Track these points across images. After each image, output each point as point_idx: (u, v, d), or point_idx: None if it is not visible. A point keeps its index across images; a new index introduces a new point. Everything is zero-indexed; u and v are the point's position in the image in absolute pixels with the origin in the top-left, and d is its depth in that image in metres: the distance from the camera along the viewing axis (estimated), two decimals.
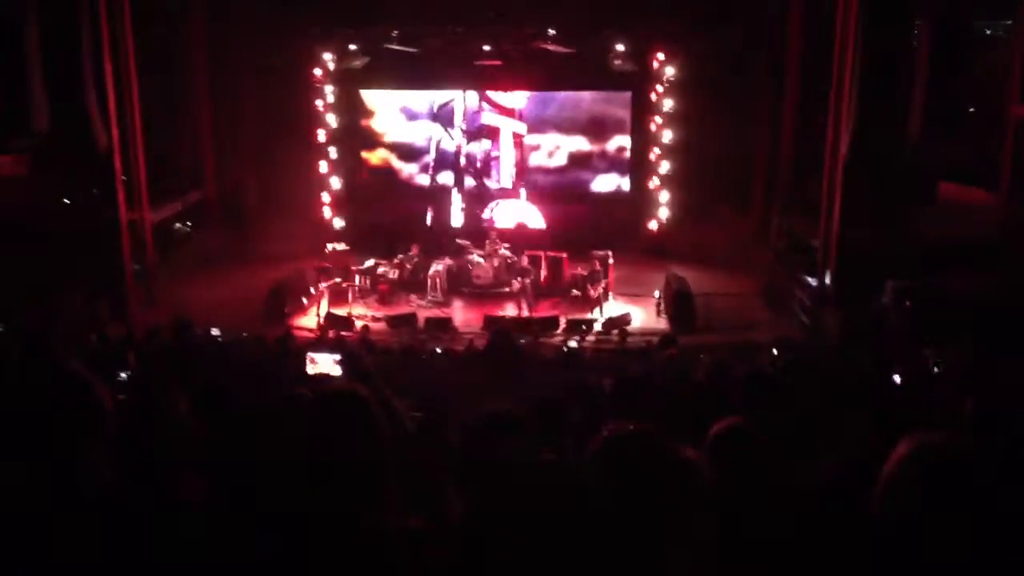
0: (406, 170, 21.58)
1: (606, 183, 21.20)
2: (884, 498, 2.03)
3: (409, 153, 21.47)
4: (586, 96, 20.94)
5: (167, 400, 3.14)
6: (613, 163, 21.12)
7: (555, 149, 21.10)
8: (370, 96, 21.26)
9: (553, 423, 4.27)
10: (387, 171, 21.64)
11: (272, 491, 2.59)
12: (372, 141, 21.47)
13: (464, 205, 21.42)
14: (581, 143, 21.05)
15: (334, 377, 6.56)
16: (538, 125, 21.03)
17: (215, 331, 12.61)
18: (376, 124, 21.39)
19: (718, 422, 3.20)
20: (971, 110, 17.03)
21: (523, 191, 21.27)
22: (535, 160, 21.19)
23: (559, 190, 21.22)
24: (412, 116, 21.25)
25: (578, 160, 21.14)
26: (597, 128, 20.97)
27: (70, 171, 16.73)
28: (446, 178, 21.47)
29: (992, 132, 17.22)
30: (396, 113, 21.31)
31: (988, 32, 19.68)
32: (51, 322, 12.69)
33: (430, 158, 21.37)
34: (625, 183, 21.14)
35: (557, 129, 21.03)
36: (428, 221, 21.40)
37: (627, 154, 21.00)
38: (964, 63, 15.52)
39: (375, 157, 21.61)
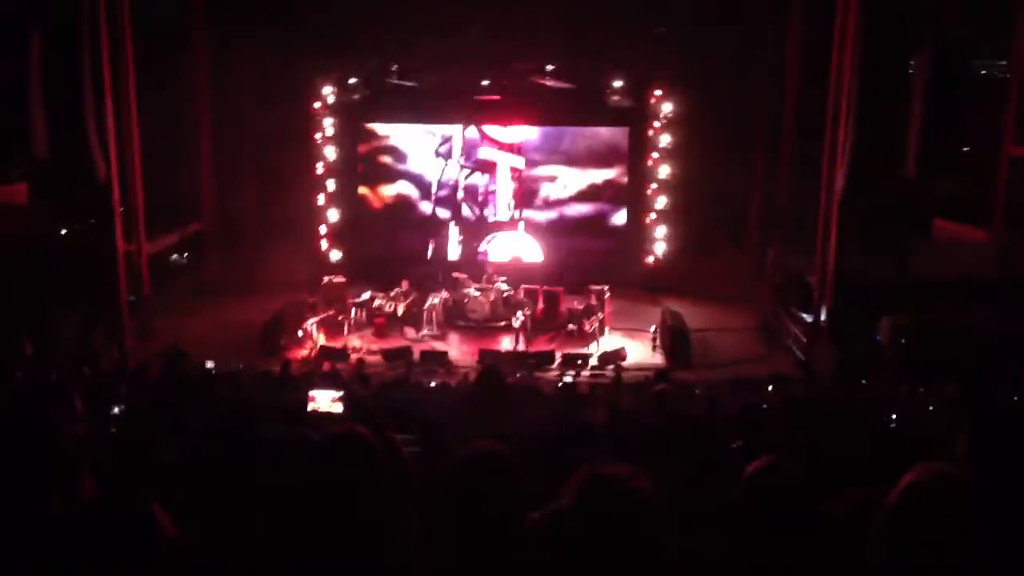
0: (405, 203, 21.61)
1: (603, 218, 21.25)
2: (888, 527, 2.03)
3: (412, 186, 21.51)
4: (584, 131, 21.05)
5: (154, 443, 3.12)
6: (610, 198, 21.18)
7: (553, 183, 21.17)
8: (377, 128, 21.36)
9: (546, 461, 4.24)
10: (388, 204, 21.69)
11: (273, 537, 2.58)
12: (374, 174, 21.53)
13: (461, 238, 21.45)
14: (579, 177, 21.12)
15: (334, 415, 6.51)
16: (536, 159, 21.12)
17: (209, 363, 12.56)
18: (380, 157, 21.47)
19: (753, 462, 3.19)
20: (965, 149, 17.14)
21: (521, 225, 21.31)
22: (531, 194, 21.25)
23: (556, 224, 21.27)
24: (417, 150, 21.34)
25: (575, 195, 21.20)
26: (595, 163, 21.06)
27: (69, 201, 16.77)
28: (441, 211, 21.51)
29: (986, 170, 17.34)
30: (402, 146, 21.40)
31: (984, 72, 19.86)
32: (46, 352, 12.65)
33: (435, 192, 21.42)
34: (622, 218, 21.19)
35: (555, 163, 21.11)
36: (429, 255, 21.43)
37: (624, 189, 21.06)
38: (960, 102, 15.64)
39: (376, 190, 21.66)
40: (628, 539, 2.16)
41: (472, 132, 21.12)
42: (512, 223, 21.35)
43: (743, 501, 2.91)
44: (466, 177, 21.29)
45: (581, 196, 21.21)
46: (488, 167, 21.19)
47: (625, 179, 21.01)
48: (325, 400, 6.74)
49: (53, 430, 2.47)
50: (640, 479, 2.27)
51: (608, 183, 21.12)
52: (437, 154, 21.26)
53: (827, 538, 2.94)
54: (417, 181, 21.47)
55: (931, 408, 8.14)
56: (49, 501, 2.37)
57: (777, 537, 2.83)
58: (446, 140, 21.19)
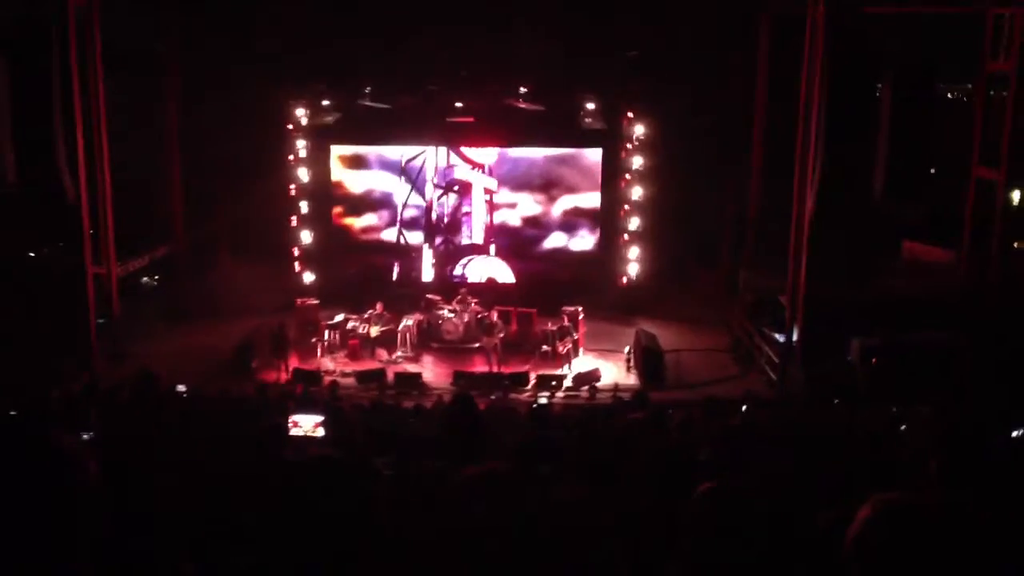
0: (377, 225, 21.55)
1: (576, 239, 21.30)
2: (854, 562, 2.04)
3: (379, 208, 21.45)
4: (556, 153, 21.13)
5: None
6: (583, 220, 21.24)
7: (525, 205, 21.21)
8: (341, 151, 21.33)
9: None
10: (360, 227, 21.63)
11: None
12: (342, 196, 21.47)
13: (435, 260, 21.42)
14: (551, 200, 21.17)
15: (315, 439, 6.49)
16: (509, 181, 21.16)
17: (180, 387, 12.43)
18: (347, 179, 21.42)
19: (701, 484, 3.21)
20: (932, 171, 17.43)
21: (492, 247, 21.31)
22: (505, 216, 21.28)
23: (529, 246, 21.30)
24: (383, 170, 21.30)
25: (548, 217, 21.24)
26: (567, 185, 21.13)
27: (37, 224, 16.61)
28: (413, 235, 21.45)
29: (953, 192, 17.63)
30: (368, 168, 21.37)
31: (949, 96, 20.23)
32: (15, 377, 12.47)
33: (399, 214, 21.37)
34: (594, 240, 21.24)
35: (528, 186, 21.16)
36: (394, 276, 21.37)
37: (597, 211, 21.12)
38: (925, 124, 15.92)
39: (345, 212, 21.60)
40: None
41: (446, 154, 21.11)
42: (484, 246, 21.34)
43: (694, 524, 2.92)
44: (439, 199, 21.27)
45: (554, 218, 21.25)
46: (463, 188, 21.20)
47: (598, 201, 21.07)
48: (308, 424, 6.72)
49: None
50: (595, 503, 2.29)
51: (580, 205, 21.17)
52: (403, 173, 21.15)
53: (798, 558, 2.95)
54: (387, 204, 21.42)
55: (903, 428, 8.20)
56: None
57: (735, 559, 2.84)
58: (412, 159, 21.09)
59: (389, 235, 21.52)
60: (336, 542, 2.48)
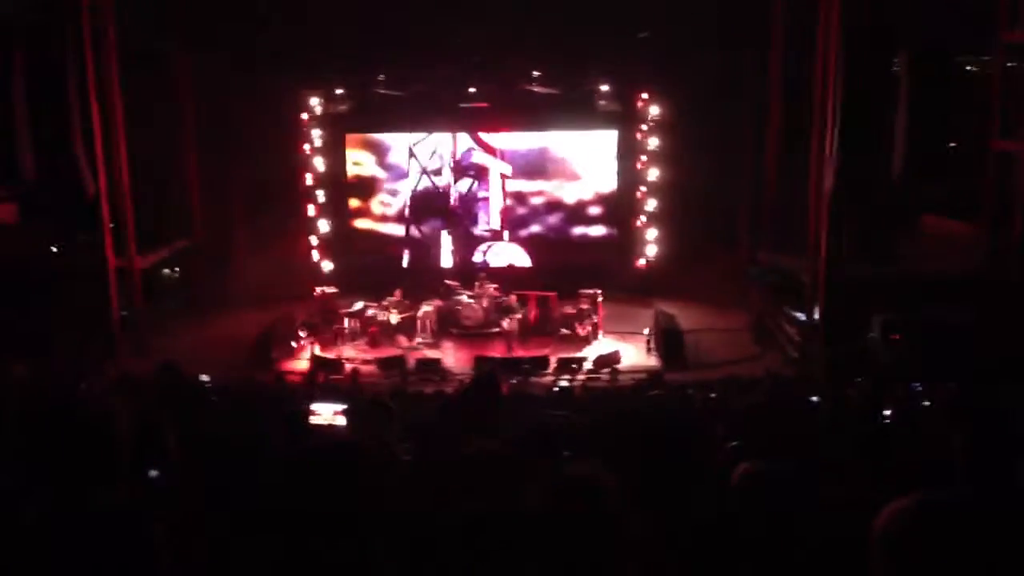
0: (393, 213, 21.59)
1: (592, 222, 21.27)
2: (883, 556, 2.03)
3: (395, 195, 21.49)
4: (572, 136, 21.08)
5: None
6: (599, 202, 21.20)
7: (541, 189, 21.19)
8: (356, 139, 21.36)
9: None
10: (375, 214, 21.68)
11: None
12: (358, 184, 21.52)
13: (454, 246, 21.44)
14: (568, 182, 21.15)
15: (337, 428, 6.52)
16: (524, 165, 21.14)
17: (204, 377, 12.52)
18: (362, 167, 21.46)
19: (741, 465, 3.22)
20: (952, 144, 17.25)
21: (506, 233, 21.30)
22: (522, 200, 21.27)
23: (546, 230, 21.29)
24: (396, 159, 21.31)
25: (565, 200, 21.22)
26: (582, 168, 21.09)
27: (58, 219, 16.75)
28: (429, 221, 21.46)
29: (973, 166, 17.44)
30: (382, 155, 21.40)
31: (968, 68, 19.97)
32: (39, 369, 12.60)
33: (408, 200, 21.38)
34: (612, 222, 21.18)
35: (543, 169, 21.14)
36: (404, 263, 21.41)
37: (614, 193, 21.08)
38: (944, 98, 15.75)
39: (361, 200, 21.65)
40: (594, 536, 2.20)
41: (462, 139, 21.11)
42: (500, 231, 21.34)
43: (730, 507, 2.94)
44: (456, 183, 21.28)
45: (570, 201, 21.22)
46: (480, 172, 21.20)
47: (614, 183, 21.03)
48: (328, 413, 6.76)
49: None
50: (606, 477, 2.31)
51: (598, 187, 21.13)
52: (411, 157, 21.12)
53: (823, 535, 2.96)
54: (402, 191, 21.44)
55: (926, 404, 8.18)
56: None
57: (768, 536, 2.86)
58: (418, 144, 21.05)
59: (404, 222, 21.58)
60: (353, 528, 2.50)
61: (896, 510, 2.04)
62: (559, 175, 21.12)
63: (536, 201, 21.29)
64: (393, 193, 21.46)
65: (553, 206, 21.29)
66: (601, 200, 21.19)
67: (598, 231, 21.26)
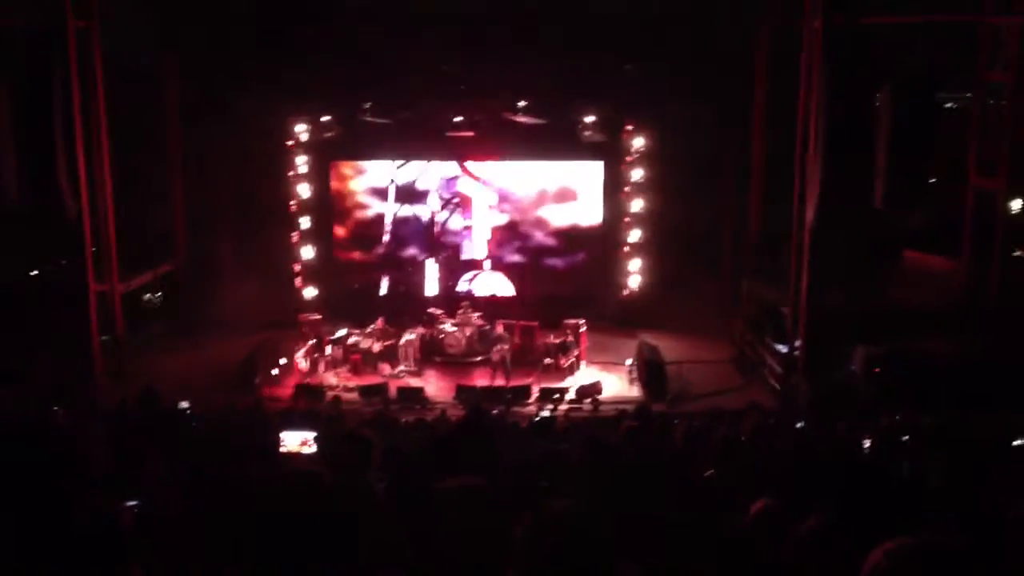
0: (377, 240, 21.57)
1: (577, 252, 21.30)
2: None
3: (379, 223, 21.49)
4: (557, 166, 21.16)
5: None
6: (584, 232, 21.25)
7: (525, 218, 21.23)
8: (341, 166, 21.40)
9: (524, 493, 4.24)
10: (358, 242, 21.66)
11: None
12: (342, 211, 21.52)
13: (439, 275, 21.42)
14: (552, 213, 21.21)
15: (304, 456, 6.49)
16: (509, 195, 21.19)
17: (184, 403, 12.43)
18: (347, 195, 21.47)
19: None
20: (932, 180, 17.44)
21: (488, 262, 21.30)
22: (506, 229, 21.30)
23: (530, 259, 21.31)
24: (380, 186, 21.34)
25: (550, 229, 21.26)
26: (567, 198, 21.16)
27: (39, 242, 16.65)
28: (410, 248, 21.46)
29: (953, 201, 17.64)
30: (367, 183, 21.42)
31: (949, 104, 20.25)
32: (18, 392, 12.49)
33: (387, 227, 21.39)
34: (596, 252, 21.21)
35: (528, 199, 21.18)
36: (383, 291, 21.37)
37: (598, 223, 21.13)
38: (925, 134, 15.94)
39: (346, 228, 21.65)
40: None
41: (448, 167, 21.15)
42: (485, 259, 21.33)
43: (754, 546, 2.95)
44: (441, 211, 21.30)
45: (555, 231, 21.26)
46: (464, 201, 21.24)
47: (599, 213, 21.09)
48: (294, 442, 6.72)
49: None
50: (587, 512, 2.31)
51: (582, 217, 21.19)
52: (392, 183, 21.18)
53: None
54: (385, 219, 21.45)
55: (906, 438, 8.19)
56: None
57: None
58: (400, 168, 21.13)
59: (390, 250, 21.56)
60: (325, 554, 2.49)
61: (892, 550, 2.03)
62: (543, 204, 21.17)
63: (520, 231, 21.32)
64: (377, 220, 21.44)
65: (538, 236, 21.31)
66: (586, 230, 21.24)
67: (582, 261, 21.26)
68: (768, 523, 3.11)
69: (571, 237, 21.28)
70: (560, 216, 21.23)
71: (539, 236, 21.32)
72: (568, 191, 21.15)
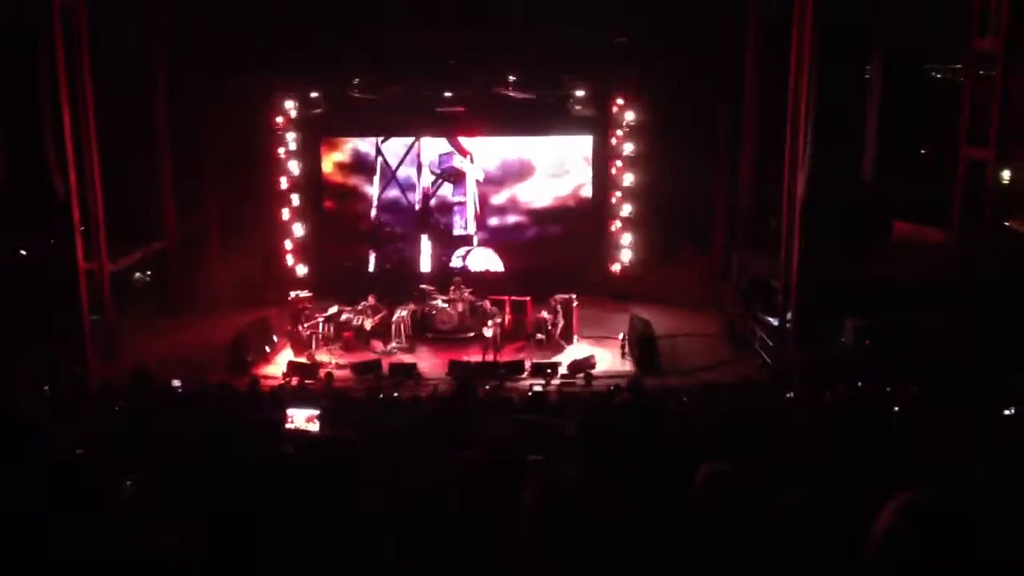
0: (367, 216, 21.52)
1: (568, 227, 21.28)
2: (879, 558, 1.99)
3: (369, 199, 21.42)
4: (546, 141, 21.10)
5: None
6: (574, 207, 21.23)
7: (516, 193, 21.19)
8: (331, 143, 21.31)
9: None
10: (350, 217, 21.61)
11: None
12: (332, 188, 21.45)
13: (432, 251, 21.39)
14: (543, 187, 21.16)
15: (311, 433, 6.52)
16: (499, 169, 21.14)
17: (176, 382, 12.44)
18: (337, 171, 21.39)
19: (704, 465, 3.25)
20: (923, 151, 17.45)
21: (477, 237, 21.27)
22: (497, 204, 21.26)
23: (521, 234, 21.30)
24: (369, 162, 21.25)
25: (541, 204, 21.23)
26: (558, 172, 21.12)
27: (27, 221, 16.54)
28: (401, 224, 21.42)
29: (943, 172, 17.64)
30: (357, 159, 21.34)
31: (939, 76, 20.21)
32: (8, 374, 12.46)
33: (375, 203, 21.34)
34: (587, 226, 21.19)
35: (518, 174, 21.14)
36: (371, 267, 21.36)
37: (589, 198, 21.12)
38: (915, 105, 15.93)
39: (336, 204, 21.58)
40: (582, 544, 2.20)
41: (439, 143, 21.07)
42: (475, 235, 21.31)
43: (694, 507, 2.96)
44: (433, 186, 21.24)
45: (546, 206, 21.24)
46: (457, 176, 21.17)
47: (590, 188, 21.07)
48: (300, 418, 6.74)
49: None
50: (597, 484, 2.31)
51: (573, 191, 21.17)
52: (379, 155, 21.08)
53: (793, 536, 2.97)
54: (373, 196, 21.39)
55: (896, 409, 8.24)
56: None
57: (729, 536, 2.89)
58: (384, 143, 21.04)
59: (380, 226, 21.52)
60: (329, 531, 2.50)
61: (903, 505, 2.00)
62: (535, 179, 21.13)
63: (511, 205, 21.28)
64: (367, 197, 21.38)
65: (528, 210, 21.29)
66: (576, 205, 21.22)
67: (573, 235, 21.24)
68: (719, 490, 3.13)
69: (561, 212, 21.25)
70: (551, 190, 21.19)
71: (530, 211, 21.29)
72: (559, 165, 21.10)
